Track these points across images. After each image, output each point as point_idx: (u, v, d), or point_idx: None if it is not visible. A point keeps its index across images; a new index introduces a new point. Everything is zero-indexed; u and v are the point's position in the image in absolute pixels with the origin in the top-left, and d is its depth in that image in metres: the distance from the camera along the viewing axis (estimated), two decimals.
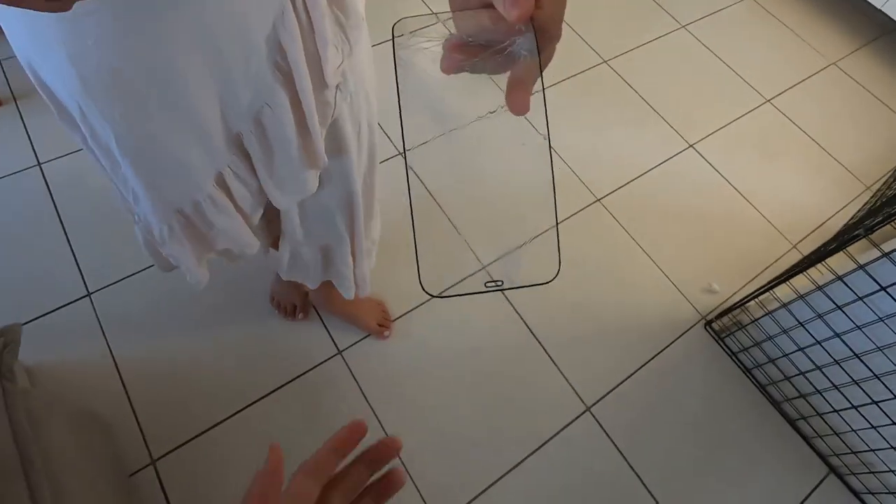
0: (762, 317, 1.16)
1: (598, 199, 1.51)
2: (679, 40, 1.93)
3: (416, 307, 1.26)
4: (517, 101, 0.28)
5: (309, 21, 0.58)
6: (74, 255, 1.23)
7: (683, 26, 1.97)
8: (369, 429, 1.18)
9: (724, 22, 2.01)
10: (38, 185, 1.31)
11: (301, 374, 1.16)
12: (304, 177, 0.72)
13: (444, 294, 0.27)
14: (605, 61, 1.82)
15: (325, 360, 1.18)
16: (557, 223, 0.29)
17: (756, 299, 1.18)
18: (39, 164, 1.34)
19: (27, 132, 1.38)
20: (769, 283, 1.15)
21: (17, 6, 0.28)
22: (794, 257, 1.49)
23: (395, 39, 0.33)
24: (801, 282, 1.07)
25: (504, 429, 1.15)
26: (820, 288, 0.99)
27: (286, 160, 0.68)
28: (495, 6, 0.27)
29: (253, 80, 0.58)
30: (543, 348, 1.25)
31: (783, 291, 1.11)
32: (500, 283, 0.27)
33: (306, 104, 0.63)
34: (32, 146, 1.36)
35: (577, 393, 1.21)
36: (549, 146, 0.29)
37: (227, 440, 1.07)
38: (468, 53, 0.29)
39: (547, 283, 0.28)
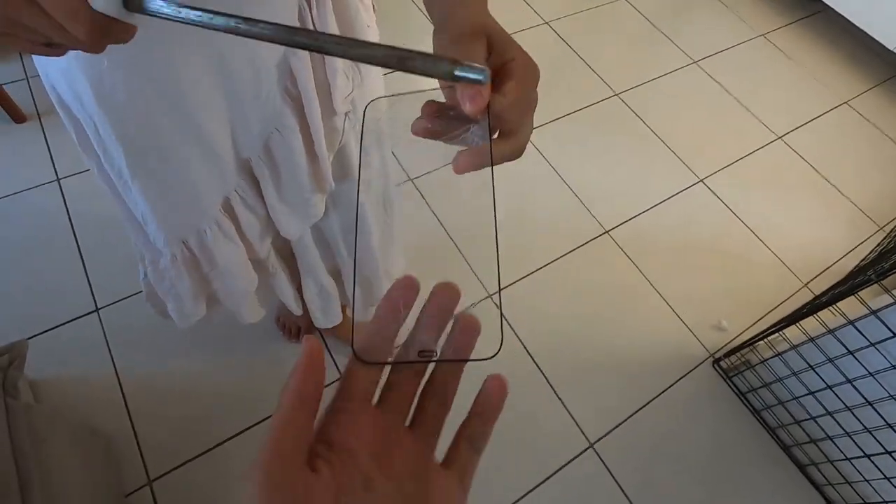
0: (771, 357, 1.14)
1: (606, 231, 1.51)
2: (690, 76, 1.95)
3: None
4: (461, 163, 0.31)
5: None
6: (86, 270, 1.24)
7: (695, 62, 1.99)
8: None
9: (736, 59, 2.03)
10: (56, 200, 1.33)
11: None
12: (311, 201, 0.73)
13: (376, 361, 0.25)
14: (617, 94, 1.84)
15: (327, 385, 1.17)
16: (500, 304, 0.29)
17: (765, 339, 1.16)
18: (58, 178, 1.37)
19: (48, 148, 1.42)
20: (778, 323, 1.13)
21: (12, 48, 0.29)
22: (806, 296, 1.47)
23: (366, 121, 0.36)
24: (811, 324, 1.05)
25: (503, 464, 1.13)
26: (831, 332, 0.98)
27: (294, 185, 0.70)
28: (458, 97, 0.30)
29: (263, 104, 0.59)
30: (547, 380, 1.24)
31: (794, 332, 1.09)
32: (433, 355, 0.25)
33: (314, 129, 0.64)
34: (53, 161, 1.39)
35: (580, 428, 1.19)
36: (496, 226, 0.30)
37: (225, 463, 1.06)
38: (433, 133, 0.32)
39: (486, 359, 0.26)
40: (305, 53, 0.58)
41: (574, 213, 1.53)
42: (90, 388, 1.10)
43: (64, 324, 1.17)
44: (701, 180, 1.67)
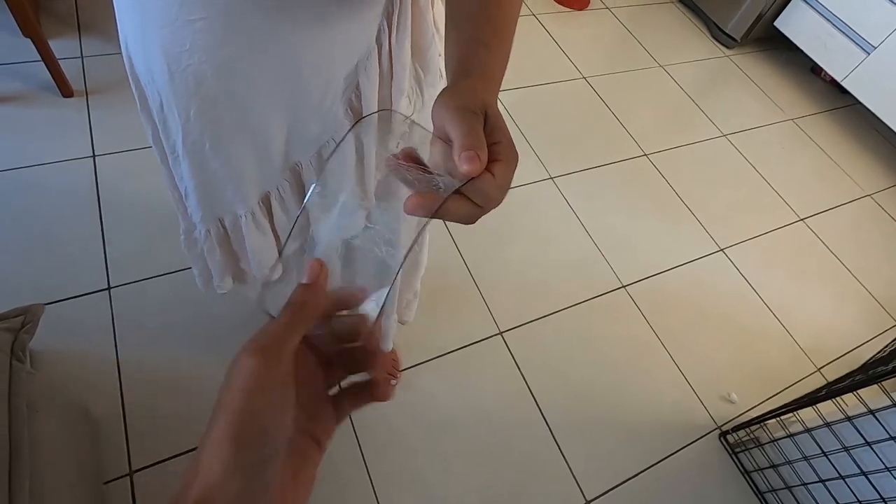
0: (782, 438, 1.11)
1: (624, 286, 1.50)
2: (719, 148, 1.99)
3: (428, 361, 1.23)
4: (410, 205, 0.33)
5: (390, 69, 0.61)
6: (105, 248, 1.24)
7: (724, 135, 2.04)
8: (356, 480, 1.14)
9: (764, 138, 2.08)
10: (88, 176, 1.35)
11: None
12: (353, 214, 0.73)
13: None
14: (646, 154, 1.87)
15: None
16: None
17: (778, 418, 1.13)
18: (94, 155, 1.39)
19: (90, 124, 1.44)
20: (793, 402, 1.11)
21: None
22: (818, 381, 1.44)
23: (370, 119, 0.40)
24: (828, 408, 1.02)
25: None
26: (849, 419, 0.95)
27: (338, 195, 0.70)
28: (453, 153, 0.33)
29: (325, 113, 0.60)
30: (549, 429, 1.20)
31: (809, 415, 1.06)
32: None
33: (367, 145, 0.65)
34: (91, 138, 1.41)
35: (578, 483, 1.15)
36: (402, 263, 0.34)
37: None
38: (404, 170, 0.36)
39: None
40: (375, 70, 0.59)
41: (593, 264, 1.53)
42: (88, 366, 1.08)
43: (74, 297, 1.16)
44: (721, 249, 1.67)
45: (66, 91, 1.46)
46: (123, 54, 0.58)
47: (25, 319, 0.73)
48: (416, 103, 0.68)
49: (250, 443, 0.24)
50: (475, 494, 1.09)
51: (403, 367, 1.21)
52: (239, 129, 0.59)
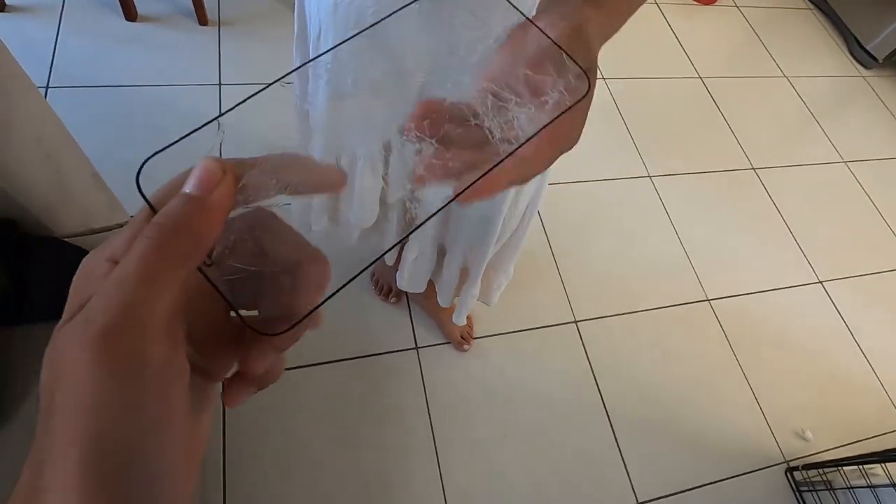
0: (862, 487, 1.05)
1: (708, 299, 1.45)
2: (836, 174, 1.85)
3: (501, 334, 1.25)
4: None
5: None
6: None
7: (844, 161, 1.88)
8: (419, 430, 1.19)
9: (890, 173, 1.90)
10: (212, 103, 1.43)
11: (373, 354, 1.17)
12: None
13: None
14: (754, 168, 1.76)
15: (401, 350, 1.18)
16: None
17: (861, 466, 1.07)
18: (220, 83, 1.47)
19: (219, 54, 1.52)
20: (882, 452, 1.04)
21: None
22: None
23: None
24: None
25: (547, 493, 1.10)
26: None
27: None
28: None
29: (467, 73, 0.61)
30: (611, 425, 1.20)
31: (893, 470, 1.00)
32: None
33: None
34: (220, 67, 1.49)
35: (632, 484, 1.14)
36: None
37: (280, 392, 1.08)
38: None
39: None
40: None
41: (679, 271, 1.48)
42: None
43: None
44: (820, 282, 1.57)
45: (202, 19, 1.54)
46: None
47: None
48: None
49: (127, 493, 0.15)
50: (527, 477, 1.11)
51: (479, 336, 1.23)
52: (382, 70, 0.61)
